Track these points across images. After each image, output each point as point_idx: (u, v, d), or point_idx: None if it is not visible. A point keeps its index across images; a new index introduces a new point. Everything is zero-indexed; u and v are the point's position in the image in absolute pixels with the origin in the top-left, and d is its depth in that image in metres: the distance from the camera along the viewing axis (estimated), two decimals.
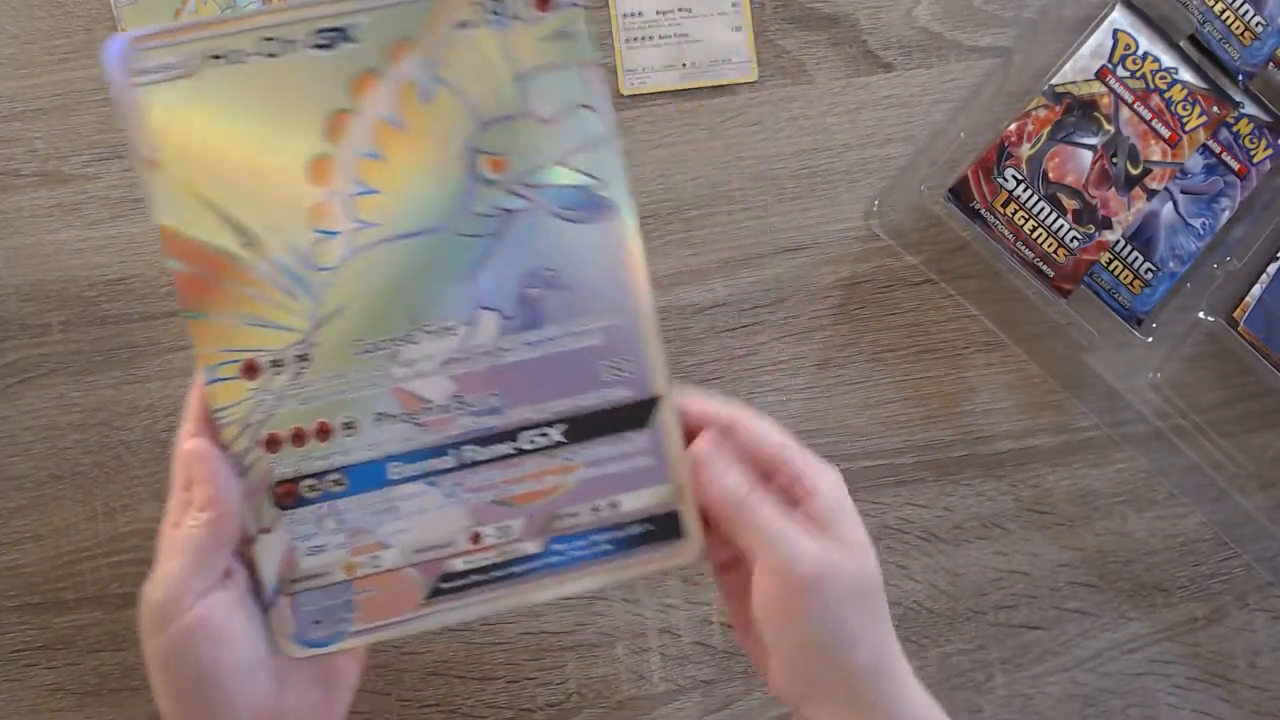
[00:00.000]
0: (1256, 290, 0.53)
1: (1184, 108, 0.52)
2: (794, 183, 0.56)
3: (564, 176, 0.36)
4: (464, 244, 0.36)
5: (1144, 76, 0.52)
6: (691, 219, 0.56)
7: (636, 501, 0.37)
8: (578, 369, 0.37)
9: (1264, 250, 0.54)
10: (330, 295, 0.35)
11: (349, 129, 0.35)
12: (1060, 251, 0.52)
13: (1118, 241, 0.53)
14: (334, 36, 0.35)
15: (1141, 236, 0.53)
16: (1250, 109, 0.53)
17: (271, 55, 0.35)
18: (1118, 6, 0.53)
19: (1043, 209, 0.52)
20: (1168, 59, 0.52)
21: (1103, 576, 0.57)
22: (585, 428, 0.37)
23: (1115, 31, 0.53)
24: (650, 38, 0.56)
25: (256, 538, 0.36)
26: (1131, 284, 0.53)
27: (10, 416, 0.54)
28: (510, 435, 0.37)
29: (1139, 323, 0.54)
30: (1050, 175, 0.52)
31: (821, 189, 0.56)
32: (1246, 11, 0.52)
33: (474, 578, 0.37)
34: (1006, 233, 0.52)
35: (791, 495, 0.37)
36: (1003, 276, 0.55)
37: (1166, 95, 0.52)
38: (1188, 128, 0.52)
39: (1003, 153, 0.52)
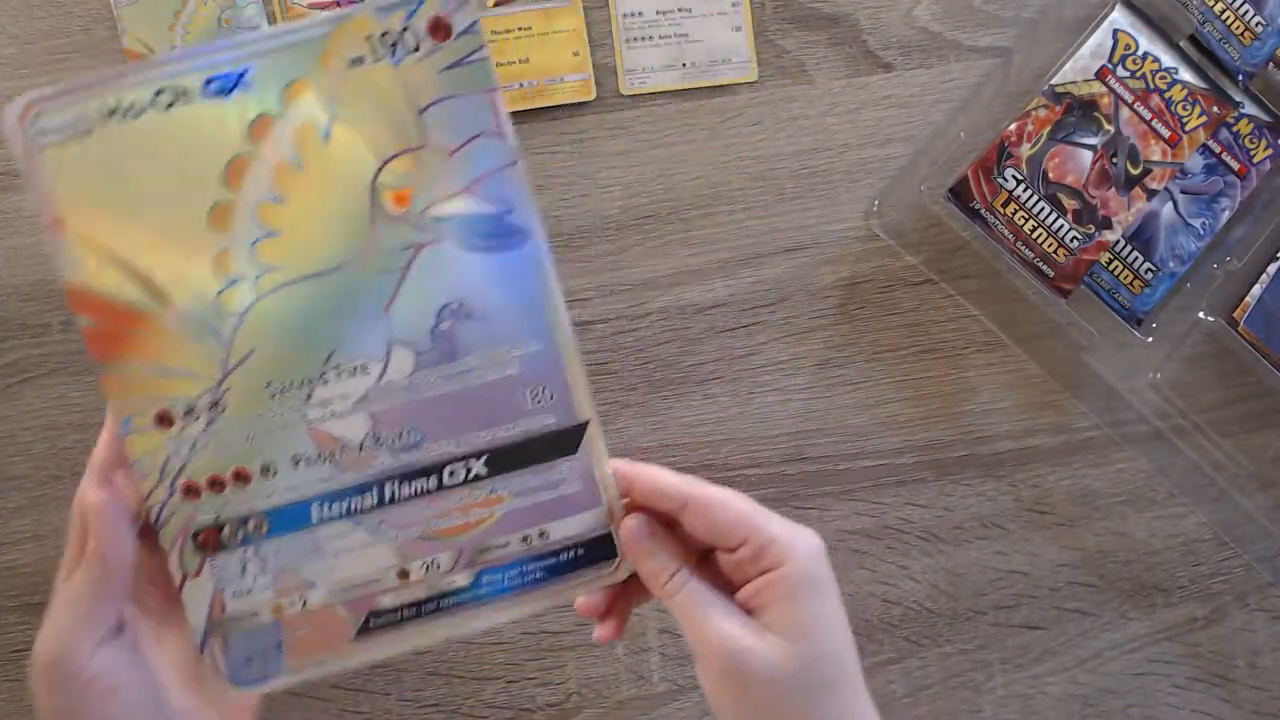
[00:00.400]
0: (1256, 290, 0.53)
1: (1184, 108, 0.52)
2: (794, 183, 0.56)
3: (470, 206, 0.36)
4: (372, 281, 0.36)
5: (1144, 76, 0.52)
6: (691, 219, 0.56)
7: (567, 528, 0.37)
8: (498, 399, 0.37)
9: (1264, 250, 0.54)
10: (240, 340, 0.35)
11: (249, 174, 0.35)
12: (1060, 251, 0.52)
13: (1118, 241, 0.53)
14: (228, 83, 0.35)
15: (1141, 236, 0.53)
16: (1250, 109, 0.53)
17: (168, 106, 0.34)
18: (1118, 6, 0.53)
19: (1043, 209, 0.52)
20: (1168, 59, 0.52)
21: (1103, 576, 0.57)
22: (510, 458, 0.37)
23: (1115, 31, 0.53)
24: (650, 38, 0.56)
25: (183, 584, 0.36)
26: (1131, 284, 0.53)
27: (10, 416, 0.54)
28: (433, 470, 0.37)
29: (1139, 323, 0.54)
30: (1050, 175, 0.52)
31: (821, 189, 0.56)
32: (1246, 11, 0.52)
33: (404, 613, 0.37)
34: (1006, 233, 0.52)
35: (756, 567, 0.35)
36: (1003, 276, 0.55)
37: (1166, 95, 0.52)
38: (1188, 128, 0.52)
39: (1003, 153, 0.52)
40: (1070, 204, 0.51)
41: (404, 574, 0.37)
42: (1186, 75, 0.52)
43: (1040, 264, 0.53)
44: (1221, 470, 0.56)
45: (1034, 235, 0.52)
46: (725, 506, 0.36)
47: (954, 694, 0.57)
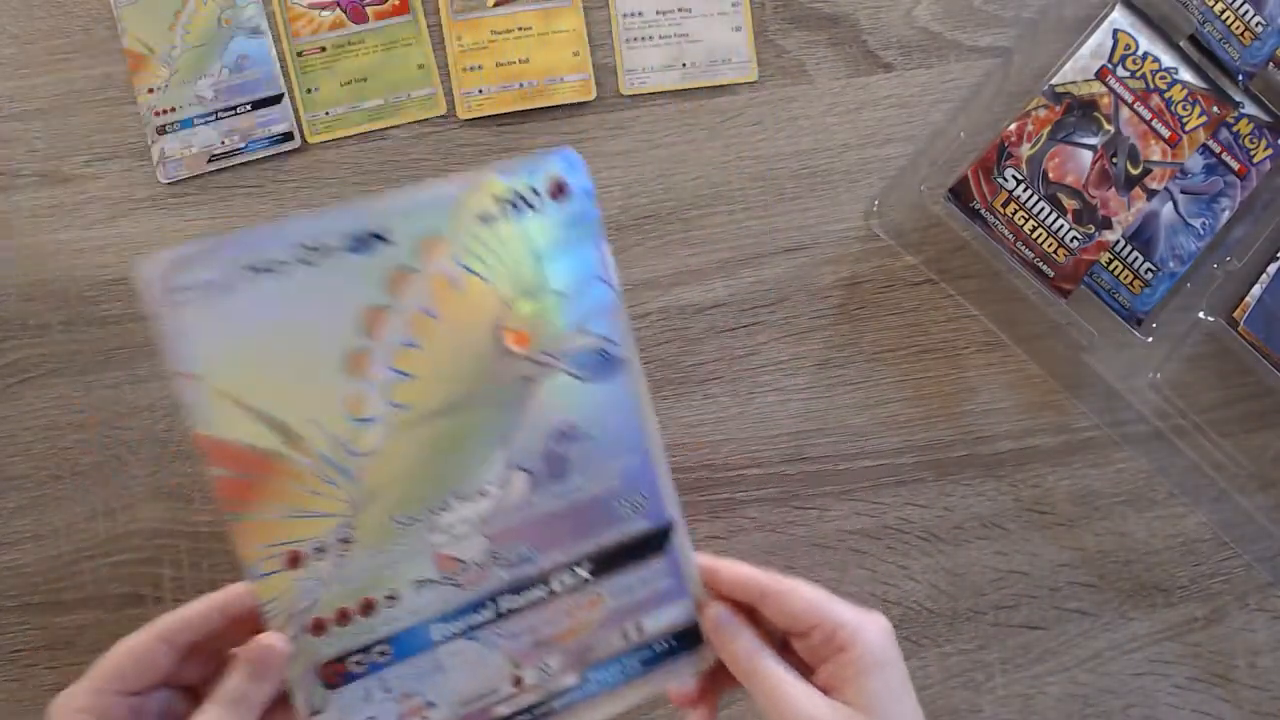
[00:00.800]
0: (1256, 290, 0.53)
1: (1184, 108, 0.52)
2: (794, 183, 0.56)
3: (582, 342, 0.39)
4: (493, 413, 0.38)
5: (1144, 76, 0.52)
6: (691, 219, 0.56)
7: (659, 621, 0.41)
8: (600, 510, 0.40)
9: (1264, 250, 0.54)
10: (369, 477, 0.37)
11: (387, 323, 0.37)
12: (1060, 251, 0.52)
13: (1118, 241, 0.53)
14: (368, 239, 0.37)
15: (1141, 236, 0.53)
16: (1250, 109, 0.53)
17: (309, 262, 0.36)
18: (1118, 6, 0.53)
19: (1043, 209, 0.52)
20: (1168, 59, 0.52)
21: (1103, 576, 0.57)
22: (609, 562, 0.40)
23: (1115, 31, 0.53)
24: (650, 38, 0.56)
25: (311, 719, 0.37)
26: (1131, 284, 0.53)
27: (10, 416, 0.54)
28: (542, 580, 0.39)
29: (1139, 323, 0.54)
30: (1050, 175, 0.52)
31: (821, 189, 0.56)
32: (1246, 11, 0.52)
33: (520, 718, 0.39)
34: (1006, 233, 0.52)
35: (829, 649, 0.39)
36: (1003, 276, 0.55)
37: (1166, 95, 0.52)
38: (1188, 128, 0.52)
39: (1003, 153, 0.52)
40: (1070, 204, 0.51)
41: (518, 681, 0.39)
42: (1186, 75, 0.52)
43: (1040, 264, 0.53)
44: (1221, 470, 0.56)
45: (1034, 235, 0.52)
46: (798, 594, 0.39)
47: (954, 694, 0.57)
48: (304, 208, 0.55)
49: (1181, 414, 0.56)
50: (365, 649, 0.38)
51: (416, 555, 0.38)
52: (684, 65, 0.56)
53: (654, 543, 0.40)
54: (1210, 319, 0.54)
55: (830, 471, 0.56)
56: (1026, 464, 0.57)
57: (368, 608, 0.38)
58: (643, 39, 0.56)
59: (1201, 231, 0.53)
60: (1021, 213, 0.52)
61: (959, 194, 0.53)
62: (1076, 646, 0.57)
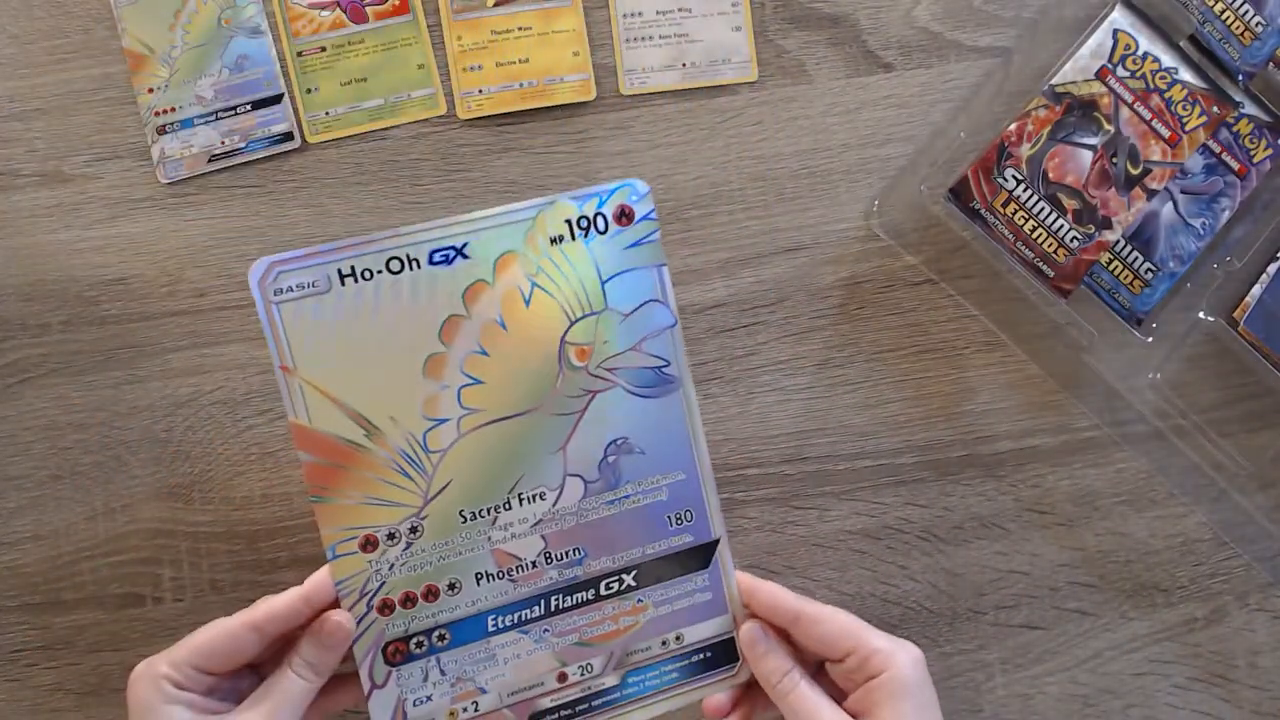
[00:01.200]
0: (1256, 290, 0.53)
1: (1184, 108, 0.52)
2: (794, 183, 0.56)
3: (638, 360, 0.42)
4: (555, 421, 0.42)
5: (1144, 76, 0.52)
6: (691, 219, 0.56)
7: (699, 632, 0.43)
8: (648, 521, 0.43)
9: (1264, 250, 0.54)
10: (441, 473, 0.41)
11: (461, 331, 0.41)
12: (1060, 251, 0.52)
13: (1118, 241, 0.53)
14: (450, 254, 0.41)
15: (1141, 236, 0.53)
16: (1250, 109, 0.53)
17: (396, 272, 0.40)
18: (1118, 6, 0.53)
19: (1043, 209, 0.52)
20: (1168, 59, 0.52)
21: (1103, 576, 0.57)
22: (655, 572, 0.43)
23: (1115, 31, 0.53)
24: (650, 38, 0.56)
25: (371, 694, 0.41)
26: (1131, 284, 0.53)
27: (10, 416, 0.54)
28: (591, 583, 0.42)
29: (1139, 323, 0.54)
30: (1050, 175, 0.52)
31: (821, 189, 0.56)
32: (1246, 11, 0.52)
33: (561, 713, 0.42)
34: (1006, 233, 0.52)
35: (862, 675, 0.41)
36: (1003, 276, 0.55)
37: (1166, 95, 0.52)
38: (1188, 128, 0.52)
39: (1003, 153, 0.52)
40: (1070, 204, 0.51)
41: (562, 677, 0.42)
42: (1186, 75, 0.52)
43: (1040, 264, 0.53)
44: (1221, 470, 0.56)
45: (1034, 235, 0.52)
46: (833, 621, 0.42)
47: (954, 694, 0.57)
48: (304, 208, 0.55)
49: (1181, 414, 0.56)
50: (427, 632, 0.41)
51: (478, 549, 0.41)
52: (684, 65, 0.56)
53: (698, 557, 0.43)
54: (1210, 319, 0.54)
55: (830, 471, 0.56)
56: (1026, 464, 0.57)
57: (431, 594, 0.41)
58: (643, 39, 0.56)
59: (1201, 231, 0.53)
60: (1021, 213, 0.52)
61: (959, 194, 0.53)
62: (1076, 646, 0.57)
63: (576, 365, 0.42)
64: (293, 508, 0.54)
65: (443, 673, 0.41)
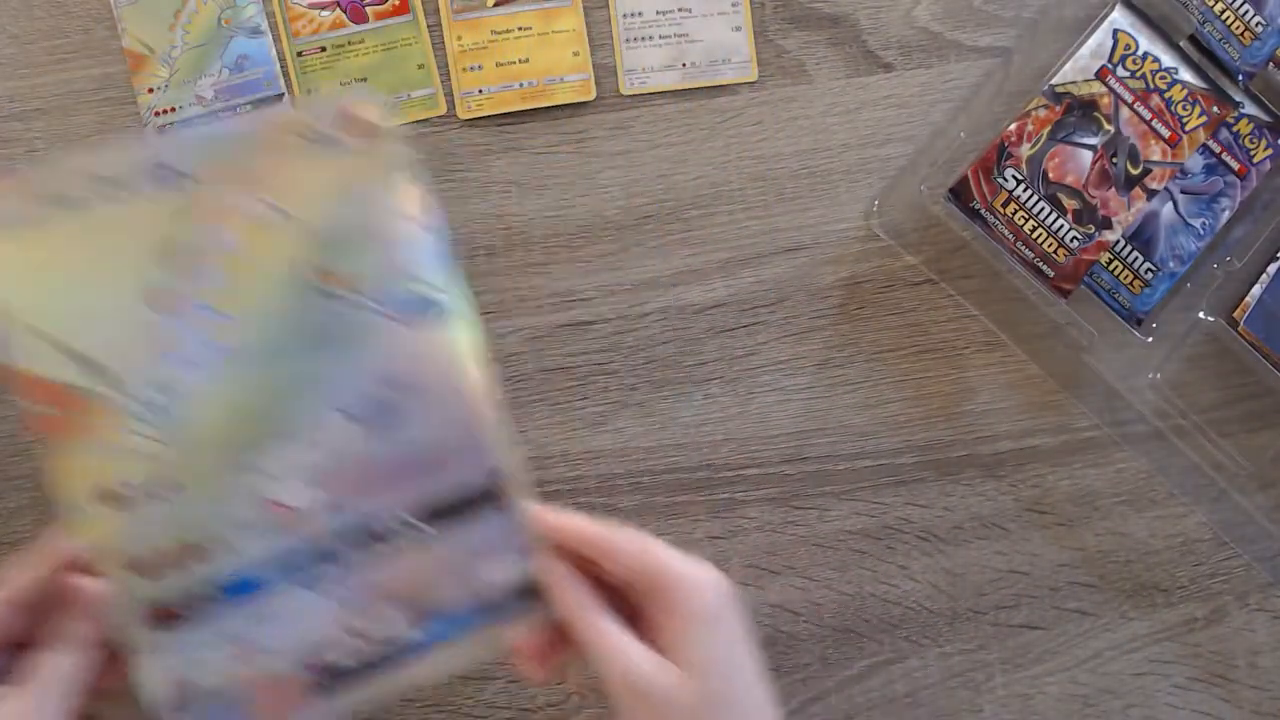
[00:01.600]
0: (1256, 290, 0.53)
1: (1184, 108, 0.52)
2: (794, 183, 0.56)
3: (401, 286, 0.38)
4: (315, 357, 0.38)
5: (1144, 76, 0.52)
6: (691, 219, 0.56)
7: (499, 575, 0.39)
8: (432, 461, 0.39)
9: (1264, 250, 0.54)
10: (193, 418, 0.37)
11: (189, 258, 0.36)
12: (1060, 251, 0.52)
13: (1118, 241, 0.53)
14: (169, 174, 0.36)
15: (1141, 236, 0.53)
16: (1250, 109, 0.53)
17: (110, 196, 0.36)
18: (1118, 6, 0.53)
19: (1043, 209, 0.52)
20: (1168, 59, 0.52)
21: (1103, 576, 0.57)
22: (444, 514, 0.39)
23: (1115, 31, 0.53)
24: (650, 38, 0.56)
25: (138, 663, 0.36)
26: (1131, 284, 0.53)
27: (10, 416, 0.54)
28: (375, 529, 0.38)
29: (1139, 323, 0.54)
30: (1050, 175, 0.52)
31: (821, 189, 0.56)
32: (1246, 11, 0.52)
33: (359, 670, 0.38)
34: (1006, 233, 0.52)
35: (661, 605, 0.37)
36: (1003, 276, 0.55)
37: (1166, 95, 0.52)
38: (1188, 128, 0.52)
39: (1003, 153, 0.52)
40: (1070, 204, 0.51)
41: (355, 632, 0.38)
42: (1186, 75, 0.52)
43: (1040, 264, 0.53)
44: (1221, 470, 0.56)
45: (1034, 235, 0.52)
46: (630, 548, 0.38)
47: (954, 694, 0.56)
48: None
49: (1181, 414, 0.56)
50: (195, 593, 0.37)
51: (241, 499, 0.37)
52: (684, 65, 0.56)
53: (489, 496, 0.39)
54: (1210, 319, 0.54)
55: (830, 471, 0.56)
56: (1026, 464, 0.57)
57: (197, 552, 0.37)
58: (643, 39, 0.56)
59: (1201, 231, 0.53)
60: (1021, 213, 0.52)
61: (959, 194, 0.53)
62: (1076, 646, 0.57)
63: (328, 291, 0.38)
64: None
65: (218, 636, 0.37)
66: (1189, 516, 0.58)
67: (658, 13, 0.56)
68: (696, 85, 0.56)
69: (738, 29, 0.56)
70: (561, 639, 0.40)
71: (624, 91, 0.56)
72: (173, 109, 0.54)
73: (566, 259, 0.55)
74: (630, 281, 0.56)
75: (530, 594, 0.39)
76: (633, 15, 0.56)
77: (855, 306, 0.57)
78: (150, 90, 0.54)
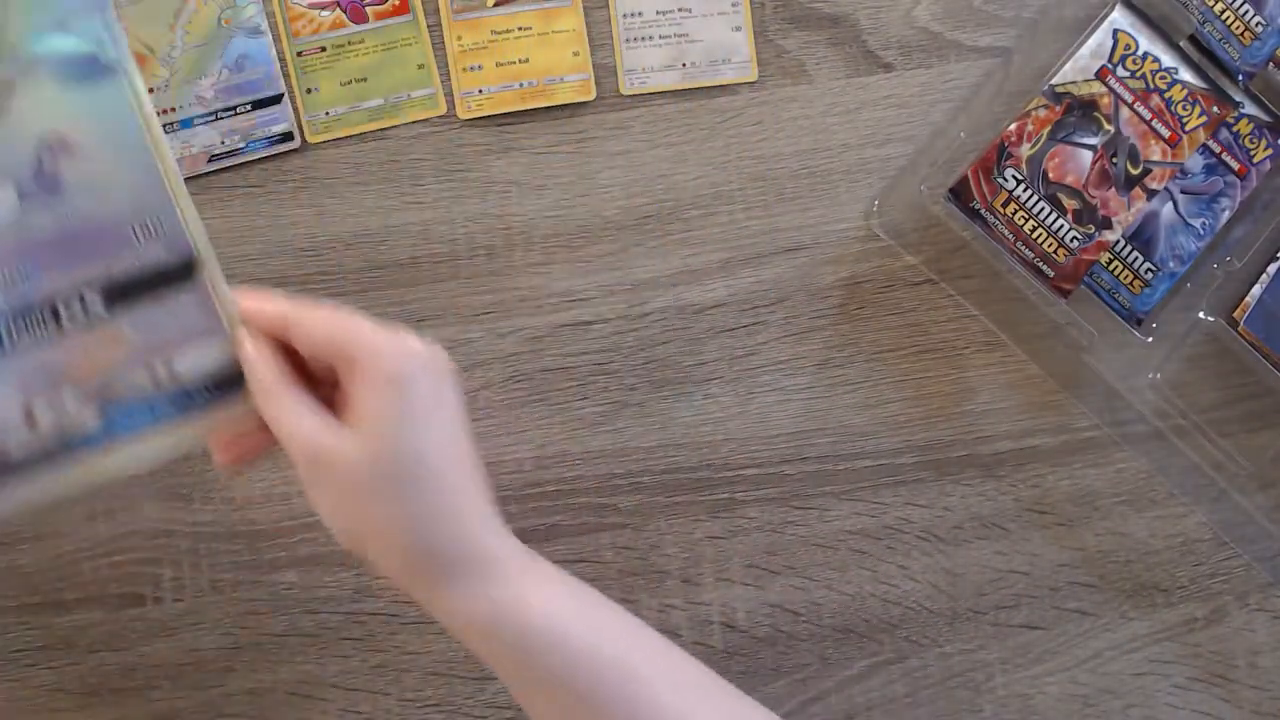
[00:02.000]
0: (1256, 290, 0.53)
1: (1184, 108, 0.52)
2: (794, 183, 0.56)
3: (60, 43, 0.35)
4: None
5: (1144, 76, 0.52)
6: (691, 219, 0.56)
7: (192, 362, 0.37)
8: (107, 234, 0.36)
9: (1264, 250, 0.54)
10: None
11: None
12: (1060, 251, 0.52)
13: (1118, 241, 0.53)
14: None
15: (1141, 236, 0.53)
16: (1250, 109, 0.53)
17: None
18: (1118, 6, 0.53)
19: (1043, 209, 0.52)
20: (1168, 59, 0.52)
21: (1103, 576, 0.57)
22: (126, 294, 0.36)
23: (1115, 31, 0.52)
24: (650, 38, 0.56)
25: None
26: (1131, 284, 0.53)
27: None
28: (48, 308, 0.35)
29: (1139, 323, 0.54)
30: (1050, 175, 0.52)
31: (821, 189, 0.56)
32: (1246, 11, 0.52)
33: (35, 460, 0.35)
34: (1006, 233, 0.52)
35: (351, 373, 0.35)
36: (1003, 276, 0.55)
37: (1166, 95, 0.52)
38: (1188, 128, 0.52)
39: (1003, 153, 0.52)
40: (1070, 204, 0.51)
41: (30, 419, 0.35)
42: (1186, 75, 0.52)
43: (1040, 264, 0.53)
44: (1221, 470, 0.56)
45: (1034, 235, 0.52)
46: (324, 317, 0.36)
47: (954, 694, 0.56)
48: (304, 208, 0.54)
49: (1182, 414, 0.56)
50: None
51: None
52: (684, 65, 0.56)
53: (177, 275, 0.36)
54: (1210, 319, 0.54)
55: (830, 471, 0.56)
56: (1026, 464, 0.57)
57: None
58: (643, 39, 0.55)
59: (1201, 231, 0.53)
60: (1021, 213, 0.51)
61: (959, 194, 0.53)
62: (1076, 646, 0.57)
63: None
64: (292, 508, 0.54)
65: None
66: (1189, 516, 0.57)
67: (658, 13, 0.56)
68: (696, 85, 0.56)
69: (738, 29, 0.56)
70: (261, 429, 0.37)
71: (624, 91, 0.56)
72: (173, 109, 0.54)
73: (566, 259, 0.55)
74: (630, 281, 0.56)
75: (228, 385, 0.37)
76: (633, 15, 0.55)
77: (855, 306, 0.56)
78: (150, 90, 0.54)
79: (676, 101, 0.56)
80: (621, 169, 0.56)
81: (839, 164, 0.56)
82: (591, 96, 0.55)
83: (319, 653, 0.54)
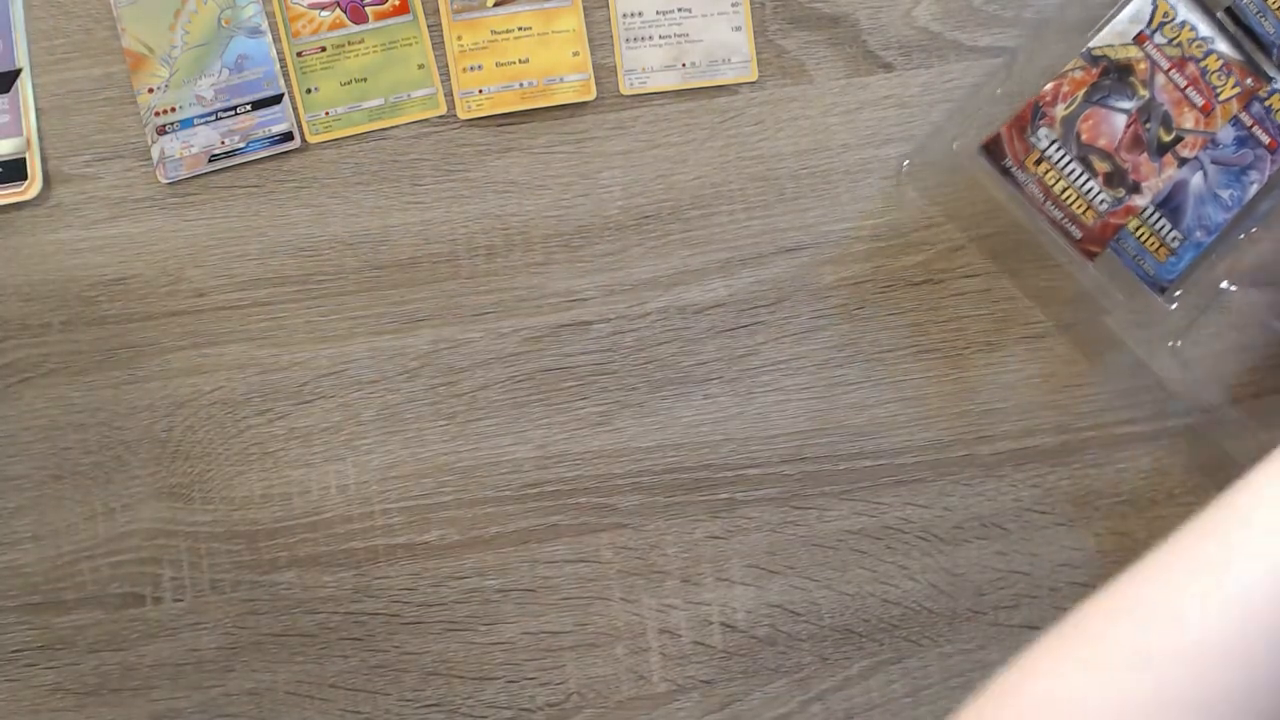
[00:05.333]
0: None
1: (1218, 78, 0.48)
2: (794, 183, 0.52)
3: None
4: None
5: (1180, 44, 0.47)
6: (691, 219, 0.52)
7: None
8: None
9: None
10: None
11: None
12: (1089, 213, 0.47)
13: (1146, 208, 0.48)
14: None
15: (1170, 204, 0.49)
16: None
17: None
18: None
19: (1074, 170, 0.47)
20: (1204, 29, 0.48)
21: (1103, 576, 0.53)
22: None
23: None
24: (650, 38, 0.52)
25: None
26: (1157, 251, 0.48)
27: (10, 416, 0.50)
28: None
29: (1162, 291, 0.50)
30: (1083, 137, 0.47)
31: (821, 189, 0.52)
32: None
33: None
34: (1037, 192, 0.48)
35: None
36: (1030, 236, 0.50)
37: (1202, 64, 0.47)
38: (1221, 98, 0.47)
39: (1037, 112, 0.48)
40: (1102, 167, 0.47)
41: None
42: (1222, 46, 0.48)
43: (1069, 225, 0.48)
44: (1236, 440, 0.51)
45: (1064, 196, 0.48)
46: None
47: (954, 694, 0.52)
48: (304, 208, 0.51)
49: (1203, 383, 0.51)
50: None
51: None
52: (684, 65, 0.52)
53: None
54: (1233, 289, 0.50)
55: (830, 471, 0.52)
56: (1026, 464, 0.53)
57: None
58: (643, 39, 0.52)
59: (1229, 203, 0.49)
60: (1053, 172, 0.47)
61: (991, 151, 0.49)
62: None
63: None
64: (292, 508, 0.50)
65: None
66: (1189, 516, 0.53)
67: (658, 13, 0.52)
68: (696, 85, 0.52)
69: (738, 29, 0.52)
70: None
71: (624, 91, 0.52)
72: (173, 109, 0.50)
73: (566, 259, 0.52)
74: (630, 281, 0.52)
75: (19, 173, 0.46)
76: (633, 15, 0.52)
77: (855, 306, 0.53)
78: (150, 90, 0.50)
79: (676, 101, 0.52)
80: (621, 169, 0.52)
81: (839, 164, 0.52)
82: (591, 96, 0.51)
83: (319, 653, 0.50)
